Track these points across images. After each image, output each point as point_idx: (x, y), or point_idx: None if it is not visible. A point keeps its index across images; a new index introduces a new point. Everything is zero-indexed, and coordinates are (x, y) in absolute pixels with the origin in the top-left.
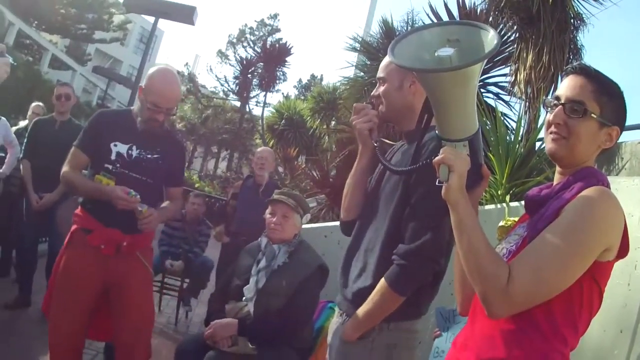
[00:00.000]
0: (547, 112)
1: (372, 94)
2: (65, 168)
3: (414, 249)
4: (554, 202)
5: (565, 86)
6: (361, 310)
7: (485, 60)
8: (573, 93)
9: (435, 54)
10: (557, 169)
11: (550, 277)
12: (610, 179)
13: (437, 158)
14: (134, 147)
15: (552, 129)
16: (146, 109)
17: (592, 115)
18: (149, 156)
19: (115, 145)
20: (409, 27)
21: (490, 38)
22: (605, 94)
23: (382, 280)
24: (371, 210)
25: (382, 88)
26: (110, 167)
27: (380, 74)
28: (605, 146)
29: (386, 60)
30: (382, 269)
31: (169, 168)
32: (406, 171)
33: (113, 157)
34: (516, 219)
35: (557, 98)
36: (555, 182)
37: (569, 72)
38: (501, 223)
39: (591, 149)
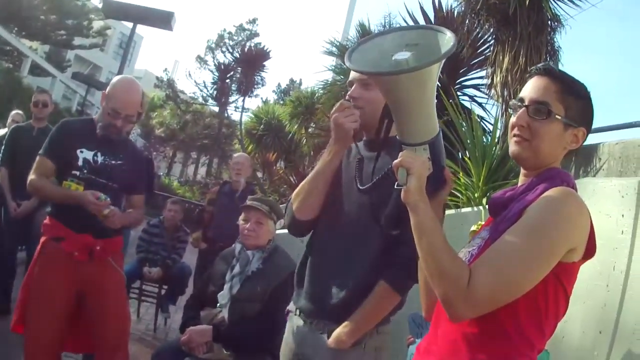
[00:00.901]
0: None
1: (350, 94)
2: (32, 176)
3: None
4: (517, 204)
5: (530, 87)
6: (359, 315)
7: (443, 62)
8: (537, 94)
9: (392, 58)
10: (522, 170)
11: (511, 278)
12: (587, 180)
13: (395, 161)
14: (99, 154)
15: (515, 131)
16: (106, 114)
17: (557, 116)
18: (113, 162)
19: (82, 152)
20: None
21: (447, 40)
22: (570, 94)
23: (383, 282)
24: (342, 214)
25: (367, 93)
26: (77, 172)
27: (362, 76)
28: (571, 147)
29: None
30: (373, 274)
31: (133, 175)
32: (369, 189)
33: (80, 162)
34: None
35: (521, 100)
36: (519, 184)
37: (533, 74)
38: (473, 227)
39: (556, 150)
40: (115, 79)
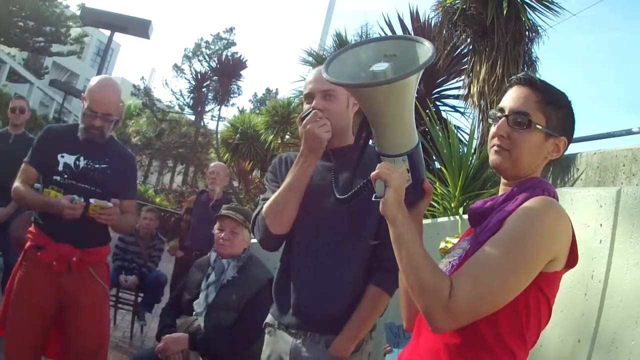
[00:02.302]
0: (492, 124)
1: (315, 106)
2: (16, 183)
3: None
4: (497, 214)
5: (510, 97)
6: (355, 322)
7: (421, 73)
8: (517, 104)
9: (370, 69)
10: (502, 180)
11: (493, 289)
12: (565, 190)
13: (373, 173)
14: (82, 158)
15: (495, 141)
16: (85, 116)
17: (537, 126)
18: (96, 166)
19: (62, 157)
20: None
21: (425, 50)
22: (551, 104)
23: (373, 286)
24: (321, 225)
25: (331, 104)
26: (58, 178)
27: (326, 87)
28: (552, 157)
29: None
30: (363, 280)
31: (119, 179)
32: (349, 198)
33: (60, 168)
34: (456, 240)
35: (501, 110)
36: (500, 193)
37: (513, 83)
38: (442, 245)
39: (537, 160)
40: (93, 79)
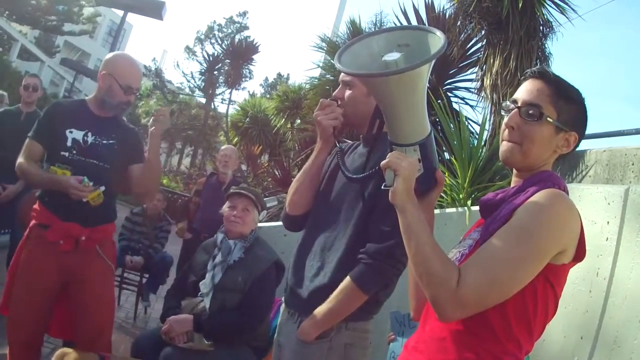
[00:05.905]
0: (504, 116)
1: (334, 94)
2: (20, 159)
3: (383, 248)
4: (508, 205)
5: (523, 89)
6: (322, 309)
7: (432, 63)
8: (530, 96)
9: (382, 59)
10: (514, 172)
11: (500, 279)
12: (574, 186)
13: (383, 162)
14: (90, 134)
15: (506, 134)
16: (120, 93)
17: (549, 119)
18: (104, 142)
19: (71, 132)
20: (377, 28)
21: (437, 40)
22: (564, 98)
23: (348, 278)
24: (326, 209)
25: (348, 92)
26: (66, 154)
27: (345, 77)
28: (561, 151)
29: None
30: (343, 268)
31: (126, 152)
32: (360, 179)
33: (69, 143)
34: None
35: (514, 101)
36: (512, 185)
37: (527, 76)
38: None
39: (546, 153)
40: (111, 56)
